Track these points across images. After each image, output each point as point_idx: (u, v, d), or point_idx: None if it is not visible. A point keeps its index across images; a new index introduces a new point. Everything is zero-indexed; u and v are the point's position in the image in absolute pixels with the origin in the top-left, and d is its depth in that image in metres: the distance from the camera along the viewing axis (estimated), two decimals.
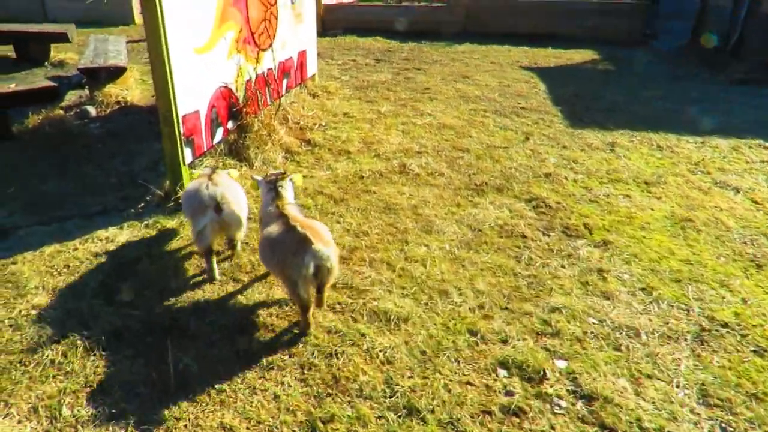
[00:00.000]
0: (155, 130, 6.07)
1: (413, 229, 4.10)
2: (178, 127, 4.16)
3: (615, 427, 2.47)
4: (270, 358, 2.84)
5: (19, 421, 2.48)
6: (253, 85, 5.45)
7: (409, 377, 2.73)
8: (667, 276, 3.59)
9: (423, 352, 2.89)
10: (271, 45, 5.92)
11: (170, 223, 4.14)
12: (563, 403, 2.59)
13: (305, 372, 2.76)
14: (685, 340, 3.02)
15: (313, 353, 2.87)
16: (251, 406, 2.56)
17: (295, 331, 3.03)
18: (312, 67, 7.61)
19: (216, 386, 2.66)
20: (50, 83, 5.68)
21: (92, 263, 3.65)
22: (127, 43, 9.24)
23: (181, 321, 3.09)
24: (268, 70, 5.92)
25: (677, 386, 2.70)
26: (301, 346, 2.93)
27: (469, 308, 3.25)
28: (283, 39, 6.29)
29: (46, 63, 9.39)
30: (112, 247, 3.84)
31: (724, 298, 3.37)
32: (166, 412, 2.51)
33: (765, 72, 8.78)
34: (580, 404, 2.59)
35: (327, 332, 3.02)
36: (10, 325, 3.08)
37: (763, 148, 5.83)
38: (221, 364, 2.80)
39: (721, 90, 8.36)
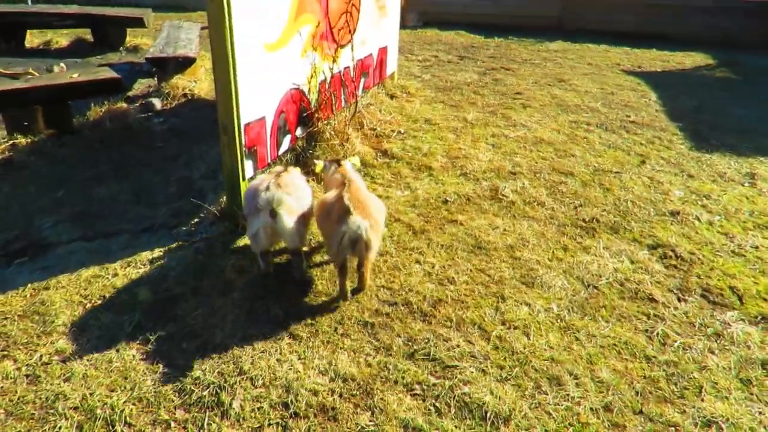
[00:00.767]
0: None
1: (510, 279, 3.32)
2: (240, 137, 3.56)
3: None
4: None
5: None
6: (327, 86, 4.80)
7: None
8: None
9: None
10: (350, 41, 5.24)
11: (223, 251, 3.55)
12: None
13: None
14: None
15: None
16: None
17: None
18: (392, 64, 6.89)
19: None
20: (113, 74, 5.28)
21: (131, 296, 3.12)
22: (202, 29, 8.88)
23: (221, 394, 2.47)
24: (345, 69, 5.25)
25: None
26: None
27: (591, 408, 2.44)
28: (364, 34, 5.60)
29: (121, 48, 9.21)
30: (155, 274, 3.31)
31: None
32: None
33: None
34: None
35: (402, 428, 2.32)
36: (27, 375, 2.58)
37: None
38: None
39: None
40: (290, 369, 2.61)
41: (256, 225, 2.96)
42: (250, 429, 2.31)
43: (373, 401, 2.44)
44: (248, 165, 3.76)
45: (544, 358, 2.72)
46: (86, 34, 9.59)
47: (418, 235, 3.78)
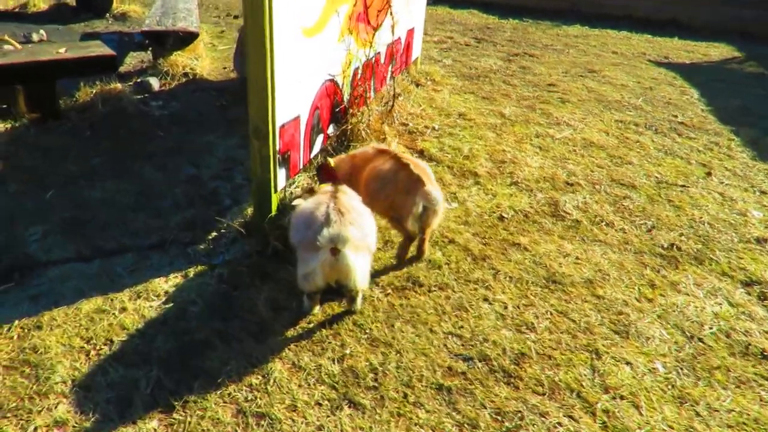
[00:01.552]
0: (226, 117, 4.92)
1: (599, 326, 2.80)
2: (274, 142, 2.94)
3: None
4: None
5: None
6: (359, 76, 4.16)
7: None
8: None
9: None
10: (383, 23, 4.58)
11: (252, 279, 2.96)
12: None
13: None
14: None
15: None
16: None
17: None
18: (417, 48, 6.23)
19: None
20: (108, 50, 4.55)
21: (145, 341, 2.52)
22: None
23: None
24: (376, 55, 4.60)
25: None
26: None
27: None
28: (397, 14, 4.93)
29: (107, 15, 8.33)
30: (173, 311, 2.70)
31: None
32: None
33: None
34: None
35: None
36: None
37: None
38: None
39: None
40: None
41: (312, 263, 2.38)
42: None
43: None
44: (281, 174, 3.14)
45: None
46: None
47: (479, 262, 3.23)
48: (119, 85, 5.00)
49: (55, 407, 2.18)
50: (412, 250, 3.17)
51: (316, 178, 3.52)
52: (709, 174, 4.52)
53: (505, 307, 2.88)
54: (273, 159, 2.97)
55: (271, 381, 2.36)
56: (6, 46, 5.83)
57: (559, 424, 2.25)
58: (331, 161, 3.32)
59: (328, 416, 2.22)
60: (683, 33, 10.35)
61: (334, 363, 2.47)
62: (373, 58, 4.52)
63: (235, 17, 9.16)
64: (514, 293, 2.99)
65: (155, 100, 5.20)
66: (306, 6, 3.12)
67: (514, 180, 4.20)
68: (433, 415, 2.25)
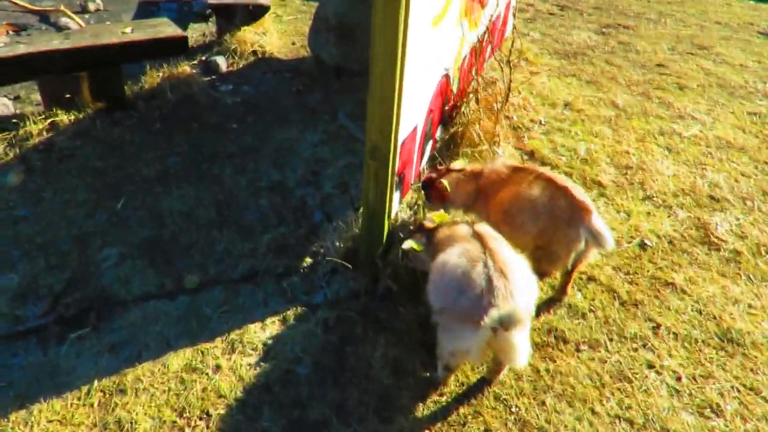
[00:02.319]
0: (305, 105, 4.39)
1: None
2: (394, 163, 2.39)
3: None
4: None
5: None
6: (466, 64, 3.54)
7: None
8: None
9: None
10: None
11: (365, 329, 2.47)
12: None
13: None
14: None
15: None
16: None
17: None
18: (510, 23, 5.49)
19: None
20: (179, 31, 4.04)
21: (246, 416, 2.09)
22: None
23: None
24: (480, 37, 3.94)
25: None
26: None
27: None
28: None
29: None
30: (276, 373, 2.26)
31: None
32: None
33: None
34: None
35: None
36: None
37: None
38: None
39: None
40: None
41: (466, 341, 1.87)
42: None
43: None
44: (395, 198, 2.60)
45: None
46: None
47: (630, 309, 2.66)
48: (187, 68, 4.51)
49: None
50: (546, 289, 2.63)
51: (423, 197, 2.97)
52: None
53: (678, 378, 2.32)
54: (390, 183, 2.43)
55: None
56: (64, 19, 5.41)
57: None
58: (446, 183, 2.74)
59: None
60: None
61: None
62: (476, 41, 3.87)
63: None
64: (683, 357, 2.42)
65: (224, 84, 4.69)
66: None
67: (647, 193, 3.55)
68: None
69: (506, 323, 1.78)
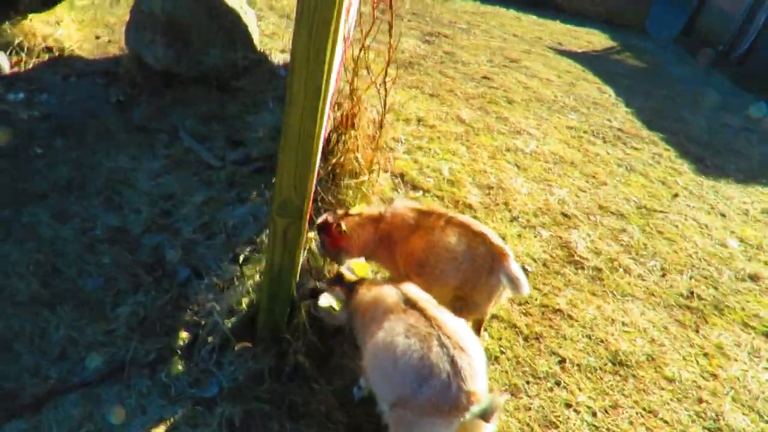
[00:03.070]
0: (130, 120, 3.63)
1: (692, 425, 2.46)
2: (306, 217, 2.01)
3: None
4: None
5: None
6: (341, 80, 3.24)
7: None
8: None
9: None
10: None
11: (280, 420, 2.05)
12: None
13: None
14: None
15: None
16: None
17: None
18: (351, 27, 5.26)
19: None
20: None
21: None
22: None
23: None
24: (344, 47, 3.65)
25: None
26: None
27: None
28: None
29: None
30: None
31: None
32: None
33: None
34: None
35: None
36: None
37: None
38: None
39: None
40: None
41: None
42: None
43: None
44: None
45: None
46: None
47: (533, 344, 2.69)
48: None
49: None
50: None
51: (318, 244, 2.62)
52: (676, 196, 4.48)
53: (594, 414, 2.40)
54: (301, 241, 2.04)
55: None
56: None
57: None
58: (344, 226, 2.44)
59: None
60: (562, 16, 10.66)
61: None
62: (342, 53, 3.58)
63: None
64: (591, 389, 2.52)
65: (12, 91, 3.63)
66: None
67: (513, 214, 3.69)
68: None
69: (488, 415, 1.58)
